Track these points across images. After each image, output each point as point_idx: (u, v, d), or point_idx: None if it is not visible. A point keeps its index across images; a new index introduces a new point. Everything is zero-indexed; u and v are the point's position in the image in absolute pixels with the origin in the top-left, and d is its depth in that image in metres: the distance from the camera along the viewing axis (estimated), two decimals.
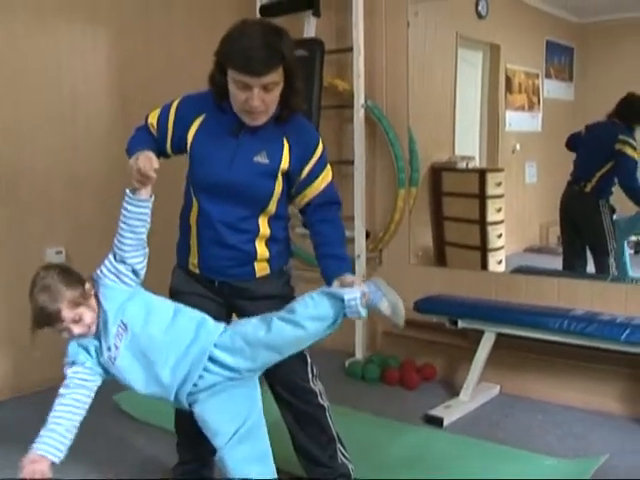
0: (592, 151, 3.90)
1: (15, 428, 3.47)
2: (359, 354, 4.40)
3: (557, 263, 4.07)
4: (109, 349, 2.15)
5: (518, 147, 4.26)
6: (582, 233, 4.04)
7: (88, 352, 2.19)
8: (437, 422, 3.50)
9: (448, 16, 4.27)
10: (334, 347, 4.41)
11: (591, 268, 3.96)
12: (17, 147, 3.92)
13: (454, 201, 4.46)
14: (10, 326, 3.94)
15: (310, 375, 2.59)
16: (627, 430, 3.42)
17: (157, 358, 2.15)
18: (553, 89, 4.11)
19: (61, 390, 2.20)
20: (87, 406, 2.22)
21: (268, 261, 2.47)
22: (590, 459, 3.08)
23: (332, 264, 2.36)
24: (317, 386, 2.61)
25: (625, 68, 3.71)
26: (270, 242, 2.45)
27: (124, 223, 2.26)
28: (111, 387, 3.88)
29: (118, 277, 2.21)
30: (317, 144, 2.42)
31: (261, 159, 2.32)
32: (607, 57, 3.79)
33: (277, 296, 2.45)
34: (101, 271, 2.24)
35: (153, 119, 2.50)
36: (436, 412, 3.58)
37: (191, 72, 4.66)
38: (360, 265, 4.31)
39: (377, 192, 4.50)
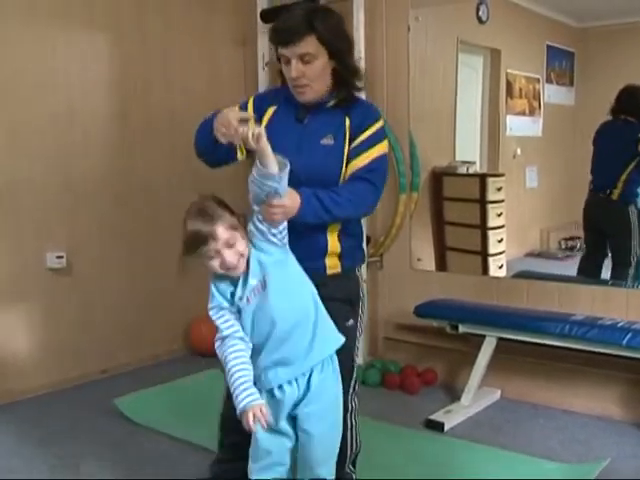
0: (611, 155, 3.84)
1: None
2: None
3: (558, 268, 4.06)
4: (241, 299, 2.09)
5: (519, 152, 4.25)
6: (607, 242, 3.98)
7: (225, 298, 2.12)
8: (438, 427, 3.51)
9: (449, 21, 4.27)
10: None
11: (606, 275, 3.91)
12: (14, 154, 3.94)
13: (455, 206, 4.45)
14: (12, 329, 3.96)
15: (351, 390, 2.52)
16: (629, 434, 3.43)
17: (274, 335, 2.09)
18: (554, 94, 4.11)
19: (227, 342, 2.09)
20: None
21: (339, 257, 2.46)
22: (592, 463, 3.08)
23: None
24: (353, 402, 2.55)
25: (626, 73, 3.70)
26: (342, 235, 2.44)
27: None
28: (112, 391, 3.94)
29: (264, 235, 2.11)
30: (377, 118, 2.42)
31: (327, 141, 2.37)
32: (608, 62, 3.79)
33: (343, 300, 2.44)
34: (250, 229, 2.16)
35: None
36: (437, 417, 3.58)
37: (188, 77, 4.72)
38: (361, 270, 4.28)
39: None
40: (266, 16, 4.46)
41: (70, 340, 4.21)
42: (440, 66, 4.35)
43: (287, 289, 2.12)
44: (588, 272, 3.99)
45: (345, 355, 2.32)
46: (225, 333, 2.09)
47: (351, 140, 2.38)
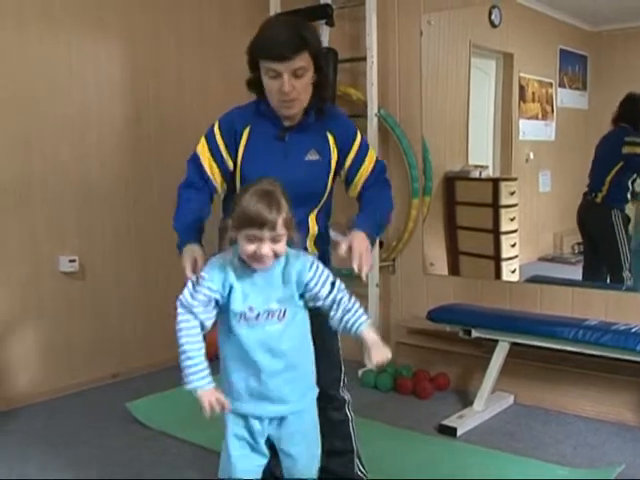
0: (600, 160, 3.86)
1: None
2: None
3: (571, 272, 4.04)
4: (251, 309, 2.03)
5: (532, 156, 4.24)
6: (597, 245, 4.03)
7: (223, 286, 2.04)
8: (451, 432, 3.51)
9: (461, 25, 4.26)
10: (347, 356, 4.37)
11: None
12: (28, 157, 3.96)
13: (467, 210, 4.45)
14: (24, 333, 3.98)
15: (341, 383, 2.61)
16: None
17: (265, 366, 2.06)
18: (567, 98, 4.09)
19: (182, 315, 2.05)
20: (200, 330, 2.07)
21: (315, 240, 2.50)
22: (605, 469, 3.08)
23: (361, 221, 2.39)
24: (346, 395, 2.62)
25: None
26: (318, 241, 2.50)
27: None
28: (124, 395, 3.95)
29: (313, 299, 2.11)
30: (355, 133, 2.51)
31: (312, 157, 2.42)
32: (622, 65, 3.77)
33: None
34: None
35: (204, 154, 2.46)
36: (450, 422, 3.58)
37: (202, 80, 4.73)
38: (373, 274, 4.32)
39: None
40: None
41: (82, 344, 4.23)
42: (453, 70, 4.35)
43: (300, 334, 2.12)
44: (591, 274, 3.99)
45: (330, 345, 2.47)
46: (188, 302, 2.03)
47: (343, 154, 2.46)
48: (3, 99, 3.85)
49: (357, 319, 2.09)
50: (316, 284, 2.06)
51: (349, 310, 2.09)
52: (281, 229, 1.96)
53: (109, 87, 4.31)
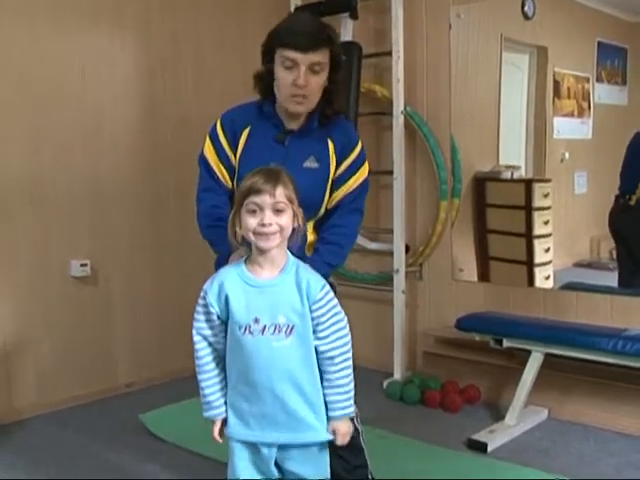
0: (633, 160, 3.81)
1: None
2: (398, 374, 4.37)
3: (609, 279, 3.97)
4: (257, 321, 1.96)
5: (567, 156, 4.19)
6: (633, 250, 3.95)
7: (219, 298, 2.00)
8: (481, 447, 3.46)
9: (492, 17, 4.22)
10: (371, 366, 4.41)
11: None
12: (39, 157, 3.94)
13: (499, 213, 4.40)
14: (34, 340, 3.96)
15: None
16: None
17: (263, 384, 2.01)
18: (605, 93, 4.03)
19: (195, 337, 2.07)
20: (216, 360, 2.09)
21: (313, 247, 2.49)
22: None
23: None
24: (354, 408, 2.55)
25: None
26: (316, 226, 2.50)
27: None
28: (137, 406, 3.91)
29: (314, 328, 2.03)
30: (356, 143, 2.49)
31: (310, 164, 2.42)
32: None
33: None
34: None
35: (210, 155, 2.46)
36: (480, 437, 3.54)
37: (222, 78, 4.73)
38: (399, 280, 4.32)
39: (417, 203, 4.50)
40: None
41: (94, 352, 4.21)
42: (483, 65, 4.31)
43: (308, 354, 2.01)
44: (627, 280, 3.92)
45: None
46: (197, 324, 2.04)
47: (339, 162, 2.45)
48: (14, 98, 3.83)
49: (338, 402, 2.04)
50: (320, 315, 1.99)
51: (338, 386, 2.03)
52: (282, 197, 1.93)
53: (123, 86, 4.29)
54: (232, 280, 2.00)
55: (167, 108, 4.48)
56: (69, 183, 4.04)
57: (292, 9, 4.52)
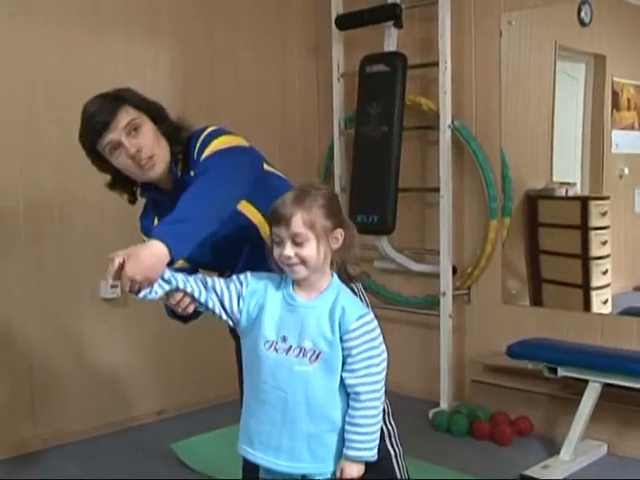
0: None
1: None
2: (445, 404, 4.30)
3: None
4: (284, 340, 1.93)
5: (626, 171, 4.12)
6: None
7: (252, 294, 1.98)
8: None
9: (546, 24, 4.16)
10: (417, 395, 4.38)
11: None
12: (69, 172, 3.92)
13: (552, 233, 4.36)
14: (62, 364, 3.95)
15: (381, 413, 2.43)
16: None
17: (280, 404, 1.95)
18: None
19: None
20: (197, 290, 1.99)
21: None
22: None
23: None
24: (388, 426, 2.43)
25: None
26: None
27: None
28: (168, 434, 3.87)
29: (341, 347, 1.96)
30: (200, 136, 2.39)
31: None
32: None
33: None
34: None
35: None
36: (532, 472, 3.47)
37: (259, 91, 4.70)
38: (446, 304, 4.26)
39: (465, 223, 4.45)
40: (342, 22, 4.49)
41: (124, 377, 4.19)
42: (536, 75, 4.26)
43: (332, 385, 1.94)
44: None
45: None
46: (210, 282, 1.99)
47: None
48: (42, 108, 3.86)
49: (353, 442, 1.94)
50: (351, 347, 1.91)
51: (357, 425, 1.94)
52: (299, 228, 1.86)
53: (158, 97, 4.26)
54: (273, 291, 1.98)
55: (203, 116, 4.45)
56: (99, 199, 3.99)
57: (333, 18, 4.53)
